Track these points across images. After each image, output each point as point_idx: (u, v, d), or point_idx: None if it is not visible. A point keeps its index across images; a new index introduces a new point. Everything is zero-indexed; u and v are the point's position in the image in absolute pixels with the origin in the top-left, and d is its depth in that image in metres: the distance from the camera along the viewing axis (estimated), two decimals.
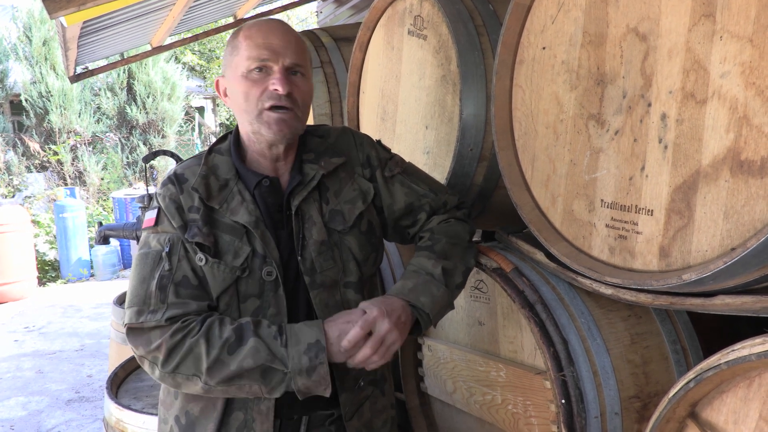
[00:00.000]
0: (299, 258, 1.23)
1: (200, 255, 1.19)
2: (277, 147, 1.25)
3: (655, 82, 1.11)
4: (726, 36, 0.99)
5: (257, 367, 1.12)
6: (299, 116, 1.22)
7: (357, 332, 1.12)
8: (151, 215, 1.24)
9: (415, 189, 1.37)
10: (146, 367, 1.19)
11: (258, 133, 1.22)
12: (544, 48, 1.35)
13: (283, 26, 1.24)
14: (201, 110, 15.15)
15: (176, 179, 1.25)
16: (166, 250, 1.19)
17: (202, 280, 1.20)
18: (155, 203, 1.25)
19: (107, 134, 11.79)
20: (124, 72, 11.65)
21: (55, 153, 10.98)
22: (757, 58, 0.94)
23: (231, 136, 1.31)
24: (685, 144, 1.06)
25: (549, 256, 1.36)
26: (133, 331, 1.18)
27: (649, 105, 1.12)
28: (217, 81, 1.29)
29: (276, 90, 1.17)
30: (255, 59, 1.18)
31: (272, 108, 1.18)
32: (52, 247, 8.36)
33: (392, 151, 1.44)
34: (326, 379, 1.13)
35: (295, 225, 1.24)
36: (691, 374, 1.02)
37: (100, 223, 3.05)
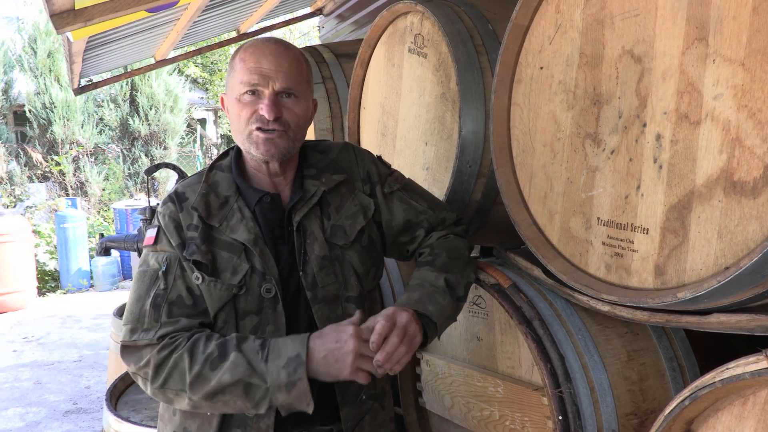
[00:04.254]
0: (301, 273, 1.24)
1: (197, 273, 1.20)
2: (273, 163, 1.27)
3: (650, 103, 1.13)
4: (719, 59, 1.01)
5: (237, 382, 1.10)
6: (290, 137, 1.24)
7: (383, 324, 1.11)
8: (151, 233, 1.26)
9: (414, 206, 1.39)
10: (140, 383, 1.21)
11: (249, 152, 1.26)
12: (541, 68, 1.38)
13: (278, 48, 1.23)
14: (203, 122, 15.22)
15: (176, 198, 1.28)
16: (163, 269, 1.22)
17: (197, 299, 1.21)
18: (156, 221, 1.28)
19: (109, 145, 11.84)
20: (127, 84, 11.72)
21: (58, 163, 11.02)
22: (749, 82, 0.96)
23: (232, 153, 1.34)
24: (680, 164, 1.08)
25: (546, 272, 1.37)
26: (126, 349, 1.20)
27: (645, 125, 1.14)
28: (222, 97, 1.33)
29: (263, 115, 1.20)
30: (246, 84, 1.21)
31: (259, 129, 1.21)
32: (53, 258, 8.36)
33: (392, 166, 1.46)
34: (307, 396, 1.10)
35: (296, 240, 1.26)
36: (686, 392, 1.03)
37: (102, 235, 3.07)
